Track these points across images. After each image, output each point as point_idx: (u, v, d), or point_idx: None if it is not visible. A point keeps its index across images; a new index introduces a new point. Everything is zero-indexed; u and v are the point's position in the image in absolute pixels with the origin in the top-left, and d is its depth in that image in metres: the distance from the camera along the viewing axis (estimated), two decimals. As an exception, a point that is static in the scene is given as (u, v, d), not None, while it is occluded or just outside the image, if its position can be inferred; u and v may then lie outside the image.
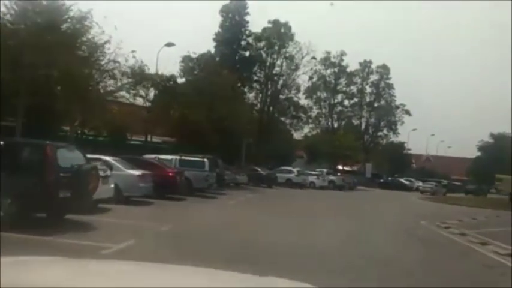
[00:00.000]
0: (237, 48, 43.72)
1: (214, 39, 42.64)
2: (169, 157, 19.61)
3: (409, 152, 66.20)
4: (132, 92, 26.03)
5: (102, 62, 20.23)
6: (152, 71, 25.46)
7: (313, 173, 37.89)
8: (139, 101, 26.38)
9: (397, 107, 59.56)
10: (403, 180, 52.13)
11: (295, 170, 35.74)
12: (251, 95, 45.04)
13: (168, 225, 10.63)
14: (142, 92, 26.74)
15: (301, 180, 35.04)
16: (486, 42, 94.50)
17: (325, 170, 40.59)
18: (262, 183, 32.14)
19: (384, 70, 58.85)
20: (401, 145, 64.49)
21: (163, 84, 26.31)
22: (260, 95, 45.76)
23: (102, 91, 21.78)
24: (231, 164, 36.49)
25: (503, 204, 31.47)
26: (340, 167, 51.84)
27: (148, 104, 27.40)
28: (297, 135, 50.72)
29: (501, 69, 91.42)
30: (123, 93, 24.40)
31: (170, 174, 16.99)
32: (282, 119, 47.08)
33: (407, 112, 59.46)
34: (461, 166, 77.63)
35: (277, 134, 44.17)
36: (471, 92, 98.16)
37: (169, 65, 28.37)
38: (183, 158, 19.65)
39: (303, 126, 50.26)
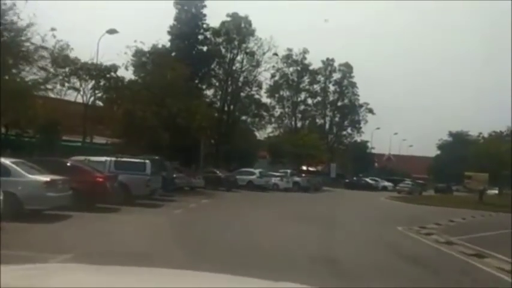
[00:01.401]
0: (194, 43, 40.28)
1: (169, 33, 39.00)
2: (102, 159, 16.06)
3: (373, 151, 64.99)
4: (67, 84, 22.17)
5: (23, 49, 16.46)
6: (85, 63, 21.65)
7: (277, 174, 35.00)
8: (77, 97, 22.47)
9: (361, 106, 57.98)
10: (368, 180, 50.33)
11: (257, 171, 32.71)
12: (210, 92, 41.75)
13: (65, 254, 7.24)
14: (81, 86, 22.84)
15: (263, 182, 32.04)
16: (449, 40, 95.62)
17: (289, 170, 37.81)
18: (220, 186, 28.91)
19: (347, 68, 57.06)
20: (364, 144, 63.13)
21: (103, 75, 22.47)
22: (220, 93, 42.49)
23: (29, 83, 17.94)
24: (188, 166, 33.16)
25: (474, 203, 29.82)
26: (304, 168, 49.39)
27: (88, 99, 23.54)
28: (260, 135, 47.89)
29: (464, 68, 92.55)
30: (57, 86, 20.55)
31: (98, 179, 13.52)
32: (243, 117, 44.00)
33: (371, 111, 58.00)
34: (422, 165, 77.69)
35: (238, 133, 41.07)
36: (432, 91, 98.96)
37: (113, 55, 24.60)
38: (119, 159, 16.16)
39: (265, 126, 47.43)
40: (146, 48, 30.42)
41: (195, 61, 38.77)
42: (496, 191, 48.89)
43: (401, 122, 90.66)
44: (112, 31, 23.85)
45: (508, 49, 79.87)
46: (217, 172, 29.97)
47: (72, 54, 20.57)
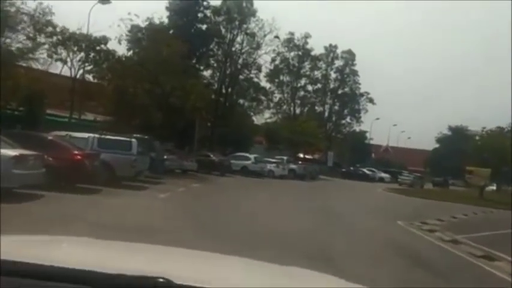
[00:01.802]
0: (193, 21, 38.67)
1: (167, 8, 37.41)
2: (84, 135, 14.82)
3: (371, 141, 63.96)
4: (55, 56, 20.75)
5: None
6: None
7: (273, 160, 33.84)
8: (62, 69, 21.03)
9: (361, 95, 56.66)
10: (365, 170, 49.35)
11: (252, 156, 31.55)
12: (207, 74, 40.33)
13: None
14: (69, 57, 21.40)
15: (258, 168, 30.92)
16: (452, 33, 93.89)
17: (285, 157, 36.66)
18: (214, 170, 27.78)
19: (350, 56, 55.56)
20: (363, 134, 62.04)
21: (92, 47, 21.04)
22: (217, 74, 41.05)
23: (13, 51, 16.55)
24: (181, 148, 31.97)
25: (473, 198, 28.85)
26: (301, 155, 48.30)
27: (76, 72, 22.14)
28: (257, 120, 46.65)
29: (466, 64, 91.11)
30: (44, 56, 19.15)
31: (77, 157, 12.31)
32: (241, 101, 42.66)
33: (371, 101, 56.75)
34: (419, 157, 76.93)
35: (235, 117, 39.78)
36: (433, 85, 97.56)
37: (105, 28, 23.17)
38: (103, 137, 14.92)
39: (263, 111, 46.11)
40: (141, 21, 28.93)
41: (193, 40, 37.18)
42: (494, 187, 48.24)
43: (401, 113, 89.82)
44: (104, 1, 22.35)
45: (509, 47, 78.47)
46: (211, 156, 28.81)
47: (59, 23, 19.18)
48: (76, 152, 12.43)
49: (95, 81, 23.13)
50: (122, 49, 25.23)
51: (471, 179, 29.35)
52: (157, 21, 25.32)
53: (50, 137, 13.29)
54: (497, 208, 25.30)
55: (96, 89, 22.95)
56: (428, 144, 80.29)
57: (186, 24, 37.24)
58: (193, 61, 38.18)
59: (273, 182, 29.00)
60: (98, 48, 21.48)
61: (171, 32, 34.79)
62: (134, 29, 29.61)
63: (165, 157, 22.75)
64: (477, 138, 70.57)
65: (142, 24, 25.44)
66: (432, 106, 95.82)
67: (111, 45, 23.85)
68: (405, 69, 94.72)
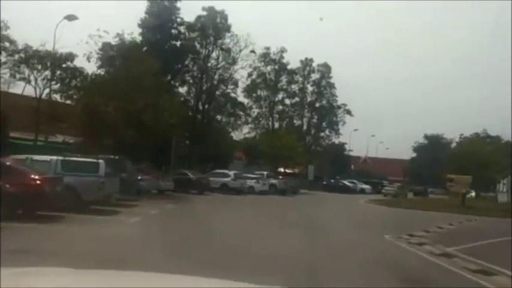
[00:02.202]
0: (167, 37, 37.87)
1: (139, 25, 36.50)
2: (47, 158, 13.61)
3: (351, 153, 63.90)
4: (19, 75, 19.48)
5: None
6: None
7: (253, 176, 32.92)
8: (25, 88, 19.73)
9: (339, 107, 56.60)
10: (346, 182, 48.91)
11: (231, 173, 30.54)
12: (183, 90, 39.39)
13: None
14: (32, 75, 20.13)
15: (238, 184, 29.90)
16: (426, 42, 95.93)
17: (265, 172, 35.80)
18: (191, 189, 26.65)
19: (325, 69, 55.63)
20: (342, 146, 61.95)
21: (58, 65, 19.87)
22: (193, 90, 40.17)
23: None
24: (158, 168, 30.74)
25: (456, 206, 28.52)
26: (281, 170, 47.53)
27: (42, 91, 20.86)
28: (236, 136, 45.75)
29: (443, 72, 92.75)
30: (6, 76, 17.86)
31: (35, 182, 11.12)
32: (219, 117, 41.78)
33: (349, 112, 56.74)
34: (398, 167, 77.48)
35: (213, 133, 38.81)
36: (409, 93, 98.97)
37: (72, 45, 22.03)
38: (67, 159, 13.75)
39: (241, 126, 45.28)
40: (111, 37, 27.79)
41: (168, 56, 36.40)
42: (473, 194, 48.52)
43: (378, 124, 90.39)
44: (71, 17, 21.32)
45: (482, 57, 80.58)
46: (189, 174, 27.68)
47: (21, 40, 18.00)
48: (34, 177, 11.24)
49: (63, 100, 21.86)
50: (91, 67, 24.09)
51: (452, 186, 29.08)
52: (128, 37, 24.35)
53: (7, 162, 12.06)
54: (480, 215, 24.97)
55: (64, 109, 21.70)
56: (406, 153, 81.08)
57: (159, 41, 36.40)
58: (169, 78, 37.28)
59: (253, 199, 28.01)
60: (64, 65, 20.31)
61: (144, 49, 33.92)
62: (106, 47, 28.55)
63: (139, 177, 21.61)
64: (453, 145, 71.81)
65: (112, 41, 24.41)
66: (409, 115, 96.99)
67: (80, 62, 22.74)
68: (381, 79, 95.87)
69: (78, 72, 20.89)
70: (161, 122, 21.73)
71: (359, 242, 12.58)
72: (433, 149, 75.14)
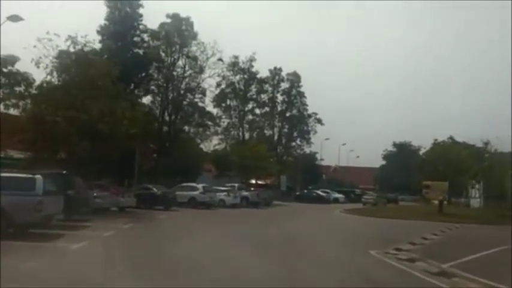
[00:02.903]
0: (129, 45, 35.51)
1: (98, 32, 34.01)
2: (-30, 174, 11.15)
3: (322, 162, 62.77)
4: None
5: None
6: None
7: (223, 188, 30.82)
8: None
9: (310, 116, 55.46)
10: (319, 192, 47.46)
11: (200, 186, 28.34)
12: (148, 100, 36.99)
13: None
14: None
15: (208, 198, 27.72)
16: (397, 49, 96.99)
17: (236, 184, 33.78)
18: (156, 205, 24.29)
19: (295, 78, 54.52)
20: (313, 156, 60.77)
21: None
22: (159, 100, 37.83)
23: None
24: (120, 182, 28.23)
25: (433, 214, 27.39)
26: (253, 181, 45.60)
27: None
28: (206, 147, 43.54)
29: (412, 77, 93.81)
30: None
31: None
32: (186, 127, 39.52)
33: (320, 121, 55.67)
34: (368, 175, 77.21)
35: (181, 145, 36.52)
36: (379, 101, 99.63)
37: (18, 48, 19.51)
38: (-4, 174, 11.33)
39: (210, 136, 43.14)
40: (62, 41, 25.14)
41: (131, 65, 34.08)
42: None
43: (349, 132, 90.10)
44: (15, 18, 18.78)
45: (452, 63, 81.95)
46: (152, 188, 25.29)
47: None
48: None
49: (6, 110, 19.22)
50: (39, 73, 21.46)
51: (428, 193, 27.99)
52: (81, 40, 21.97)
53: None
54: (459, 223, 23.90)
55: (9, 119, 19.03)
56: (376, 161, 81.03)
57: (121, 49, 34.00)
58: (132, 87, 34.89)
59: (224, 213, 25.89)
60: (5, 70, 17.77)
61: (105, 57, 31.52)
62: (62, 54, 25.92)
63: (95, 194, 19.19)
64: (422, 152, 72.04)
65: (64, 45, 21.93)
66: (379, 123, 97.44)
67: (28, 68, 20.17)
68: (352, 87, 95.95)
69: (20, 76, 18.33)
70: (119, 132, 19.40)
71: (344, 261, 10.80)
72: (402, 157, 75.41)
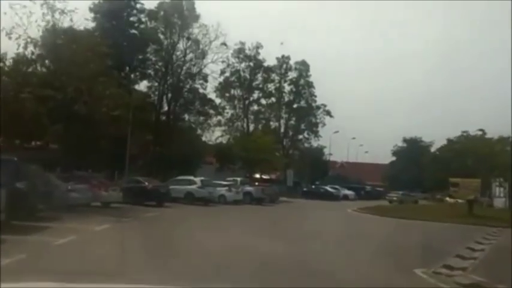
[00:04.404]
0: (125, 25, 32.23)
1: (91, 10, 30.74)
2: None
3: (331, 156, 59.28)
4: None
5: None
6: None
7: (224, 183, 27.46)
8: None
9: (318, 108, 51.84)
10: (328, 188, 43.98)
11: (198, 179, 25.01)
12: (144, 84, 33.70)
13: None
14: None
15: (206, 193, 24.38)
16: (409, 44, 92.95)
17: (239, 178, 30.44)
18: (147, 200, 21.03)
19: (304, 67, 50.83)
20: (320, 150, 57.26)
21: None
22: (156, 85, 34.53)
23: None
24: (110, 175, 25.09)
25: (461, 215, 23.82)
26: (257, 176, 42.26)
27: None
28: (207, 138, 40.16)
29: (423, 73, 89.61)
30: None
31: None
32: (187, 116, 36.19)
33: (329, 113, 52.03)
34: (375, 171, 73.73)
35: (179, 134, 33.25)
36: (387, 96, 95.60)
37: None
38: None
39: (211, 126, 39.71)
40: (38, 6, 21.64)
41: (126, 46, 30.87)
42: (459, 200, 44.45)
43: (359, 126, 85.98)
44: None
45: (461, 59, 78.06)
46: (143, 181, 21.99)
47: None
48: None
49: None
50: (11, 46, 18.14)
51: (457, 192, 24.47)
52: (59, 5, 18.58)
53: None
54: (495, 226, 20.37)
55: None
56: (385, 157, 77.45)
57: (115, 29, 30.71)
58: (126, 70, 31.66)
59: (224, 211, 22.59)
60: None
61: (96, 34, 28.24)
62: (49, 33, 22.51)
63: (69, 187, 15.97)
64: (434, 148, 68.31)
65: (40, 9, 18.56)
66: (389, 117, 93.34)
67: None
68: (363, 77, 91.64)
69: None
70: (98, 114, 16.06)
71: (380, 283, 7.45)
72: (412, 153, 71.91)
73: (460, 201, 43.00)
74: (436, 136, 64.90)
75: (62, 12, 18.45)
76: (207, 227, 13.95)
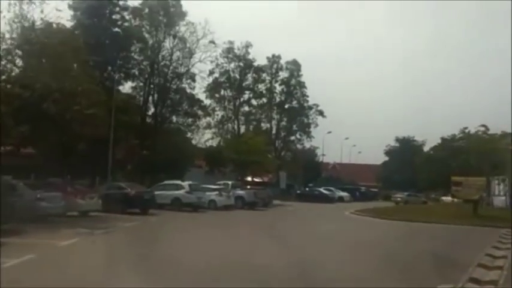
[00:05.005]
0: (107, 23, 30.38)
1: (70, 7, 28.83)
2: None
3: (324, 157, 57.73)
4: None
5: None
6: None
7: (214, 187, 25.72)
8: None
9: (310, 108, 50.36)
10: (323, 190, 42.40)
11: (185, 184, 23.25)
12: (128, 85, 31.84)
13: None
14: None
15: (195, 198, 22.62)
16: (402, 44, 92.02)
17: (230, 182, 28.71)
18: (130, 207, 19.22)
19: (295, 66, 49.39)
20: (313, 151, 55.74)
21: None
22: (142, 85, 32.69)
23: None
24: (91, 181, 23.26)
25: (465, 216, 22.38)
26: (249, 178, 40.54)
27: None
28: (197, 140, 38.34)
29: (416, 74, 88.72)
30: None
31: None
32: (174, 118, 34.38)
33: (321, 113, 50.58)
34: (367, 172, 72.52)
35: (166, 137, 31.45)
36: (383, 93, 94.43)
37: None
38: None
39: (200, 128, 37.92)
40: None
41: (108, 45, 29.07)
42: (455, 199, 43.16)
43: (351, 126, 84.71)
44: None
45: (454, 58, 77.20)
46: (125, 187, 20.15)
47: None
48: None
49: None
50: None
51: (459, 191, 23.01)
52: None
53: None
54: (503, 227, 18.92)
55: None
56: (377, 158, 76.31)
57: (96, 26, 28.89)
58: (109, 70, 29.81)
59: (213, 217, 20.84)
60: None
61: (76, 33, 26.44)
62: (24, 30, 20.59)
63: (38, 196, 14.15)
64: (426, 147, 67.21)
65: None
66: (382, 117, 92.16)
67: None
68: (355, 76, 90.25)
69: None
70: (70, 113, 14.26)
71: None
72: (405, 153, 70.88)
73: (455, 200, 41.88)
74: (428, 135, 63.76)
75: (31, 2, 16.64)
76: (193, 239, 12.20)
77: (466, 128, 25.26)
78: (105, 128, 20.66)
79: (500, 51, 75.06)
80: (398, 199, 41.44)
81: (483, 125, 23.61)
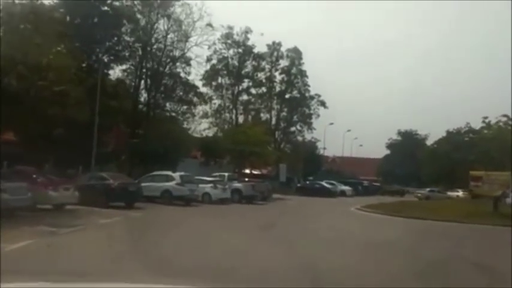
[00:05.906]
0: (95, 2, 27.88)
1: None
2: None
3: (325, 150, 55.53)
4: None
5: None
6: None
7: (209, 179, 23.45)
8: None
9: (312, 98, 47.98)
10: (324, 184, 40.17)
11: (177, 175, 20.96)
12: (119, 69, 29.41)
13: None
14: None
15: (186, 191, 20.34)
16: (407, 37, 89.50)
17: (226, 174, 26.45)
18: (112, 200, 16.94)
19: (296, 54, 46.90)
20: (313, 143, 53.50)
21: None
22: (133, 68, 30.27)
23: None
24: (73, 170, 21.01)
25: (485, 214, 20.18)
26: (247, 171, 38.29)
27: None
28: (193, 130, 36.01)
29: (420, 67, 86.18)
30: None
31: None
32: (168, 104, 32.00)
33: (323, 104, 48.23)
34: (368, 166, 70.54)
35: (158, 125, 29.12)
36: (384, 88, 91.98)
37: None
38: None
39: (195, 115, 35.56)
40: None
41: (97, 26, 26.65)
42: (459, 194, 40.98)
43: (354, 117, 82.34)
44: None
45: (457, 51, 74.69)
46: (108, 178, 17.84)
47: None
48: None
49: None
50: None
51: (479, 187, 20.75)
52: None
53: None
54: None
55: None
56: (379, 151, 74.27)
57: (82, 4, 26.38)
58: (97, 52, 27.37)
59: (207, 212, 18.60)
60: None
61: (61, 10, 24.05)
62: (8, 6, 18.12)
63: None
64: (429, 141, 65.05)
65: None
66: (384, 110, 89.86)
67: None
68: (357, 66, 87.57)
69: None
70: (33, 90, 11.91)
71: None
72: (407, 146, 68.90)
73: (461, 195, 39.70)
74: (431, 129, 61.64)
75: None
76: (179, 240, 9.90)
77: (486, 117, 22.99)
78: (87, 111, 18.32)
79: (503, 50, 72.89)
80: (419, 195, 41.06)
81: (505, 115, 21.33)
